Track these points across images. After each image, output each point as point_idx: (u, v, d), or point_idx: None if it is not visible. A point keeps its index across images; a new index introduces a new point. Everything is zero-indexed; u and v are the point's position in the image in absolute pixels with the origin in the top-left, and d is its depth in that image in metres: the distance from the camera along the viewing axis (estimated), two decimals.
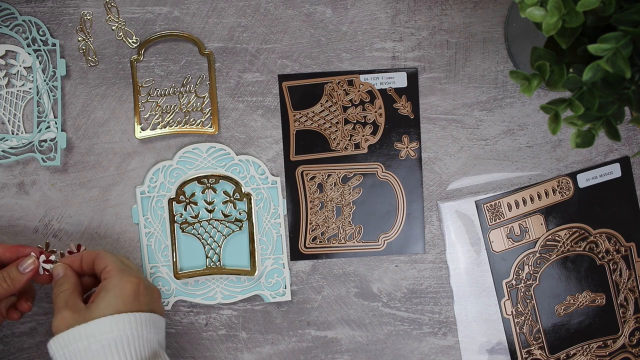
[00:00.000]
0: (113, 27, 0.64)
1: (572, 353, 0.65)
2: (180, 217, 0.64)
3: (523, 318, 0.65)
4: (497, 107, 0.64)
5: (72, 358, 0.52)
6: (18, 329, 0.66)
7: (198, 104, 0.64)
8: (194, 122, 0.64)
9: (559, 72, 0.45)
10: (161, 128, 0.64)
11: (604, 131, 0.43)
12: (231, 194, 0.64)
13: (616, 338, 0.65)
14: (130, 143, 0.65)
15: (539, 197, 0.64)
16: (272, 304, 0.65)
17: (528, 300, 0.64)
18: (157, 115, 0.64)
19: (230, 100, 0.64)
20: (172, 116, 0.64)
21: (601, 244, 0.64)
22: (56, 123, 0.64)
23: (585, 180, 0.64)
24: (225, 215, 0.64)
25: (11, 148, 0.64)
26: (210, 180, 0.63)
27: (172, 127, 0.64)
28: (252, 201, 0.63)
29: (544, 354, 0.65)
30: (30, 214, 0.65)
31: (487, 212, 0.64)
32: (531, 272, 0.64)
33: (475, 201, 0.64)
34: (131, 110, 0.64)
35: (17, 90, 0.64)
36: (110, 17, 0.64)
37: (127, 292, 0.53)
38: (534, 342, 0.65)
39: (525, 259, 0.64)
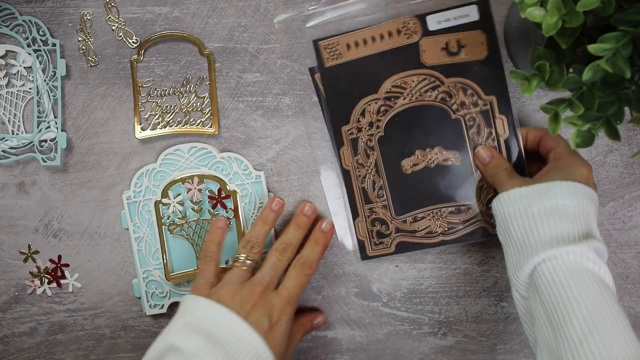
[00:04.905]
0: (113, 27, 0.64)
1: (420, 216, 0.60)
2: (168, 219, 0.64)
3: (365, 171, 0.60)
4: None
5: (509, 220, 0.53)
6: (18, 329, 0.66)
7: (198, 104, 0.64)
8: (194, 122, 0.64)
9: (559, 72, 0.45)
10: (161, 128, 0.64)
11: (604, 131, 0.43)
12: (217, 194, 0.64)
13: (471, 205, 0.60)
14: (130, 143, 0.65)
15: (382, 38, 0.58)
16: None
17: (370, 152, 0.60)
18: (157, 115, 0.64)
19: (230, 100, 0.64)
20: (172, 116, 0.64)
21: (455, 94, 0.58)
22: (56, 123, 0.64)
23: (436, 22, 0.58)
24: (213, 215, 0.64)
25: (11, 148, 0.64)
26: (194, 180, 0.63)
27: (172, 127, 0.64)
28: (238, 198, 0.63)
29: (388, 214, 0.60)
30: (30, 214, 0.65)
31: (324, 51, 0.59)
32: (374, 121, 0.59)
33: (312, 40, 0.60)
34: (131, 110, 0.64)
35: (17, 90, 0.64)
36: (110, 17, 0.64)
37: (581, 174, 0.53)
38: (377, 200, 0.60)
39: (366, 105, 0.59)
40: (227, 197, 0.63)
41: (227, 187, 0.63)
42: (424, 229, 0.61)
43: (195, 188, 0.63)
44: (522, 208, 0.52)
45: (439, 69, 0.59)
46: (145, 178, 0.64)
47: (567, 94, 0.44)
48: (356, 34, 0.59)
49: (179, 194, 0.64)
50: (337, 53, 0.59)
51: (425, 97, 0.59)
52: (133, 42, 0.64)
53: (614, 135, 0.43)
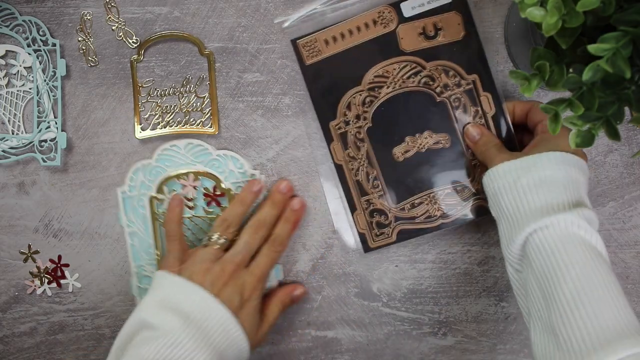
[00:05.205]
0: (113, 27, 0.64)
1: (417, 202, 0.60)
2: (163, 215, 0.64)
3: (357, 164, 0.60)
4: None
5: (499, 194, 0.53)
6: (18, 329, 0.66)
7: (198, 104, 0.64)
8: (194, 122, 0.64)
9: (559, 72, 0.45)
10: (161, 128, 0.64)
11: (604, 131, 0.43)
12: (212, 191, 0.64)
13: (466, 185, 0.61)
14: (130, 143, 0.65)
15: (359, 30, 0.59)
16: None
17: (360, 144, 0.60)
18: (157, 116, 0.64)
19: (230, 100, 0.64)
20: (172, 116, 0.64)
21: (437, 77, 0.59)
22: (56, 123, 0.64)
23: (410, 8, 0.58)
24: (207, 212, 0.64)
25: (11, 148, 0.64)
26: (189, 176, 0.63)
27: (172, 127, 0.64)
28: (233, 196, 0.63)
29: (386, 204, 0.61)
30: (30, 214, 0.65)
31: (303, 50, 0.60)
32: (360, 113, 0.59)
33: (290, 40, 0.60)
34: (131, 110, 0.64)
35: (17, 90, 0.64)
36: (110, 17, 0.64)
37: (569, 145, 0.53)
38: (373, 191, 0.61)
39: (351, 98, 0.59)
40: (222, 195, 0.63)
41: (222, 185, 0.63)
42: (422, 214, 0.61)
43: (190, 185, 0.63)
44: (511, 181, 0.53)
45: (419, 54, 0.60)
46: (140, 173, 0.64)
47: (567, 94, 0.44)
48: (333, 29, 0.60)
49: (174, 190, 0.64)
50: (317, 50, 0.60)
51: (408, 83, 0.60)
52: (133, 42, 0.64)
53: (614, 135, 0.43)
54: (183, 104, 0.64)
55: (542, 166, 0.52)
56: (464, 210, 0.61)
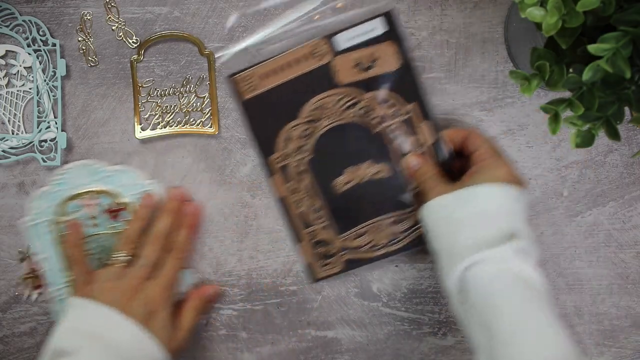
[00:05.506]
0: (113, 27, 0.64)
1: (362, 232, 0.61)
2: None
3: (300, 195, 0.61)
4: (497, 107, 0.64)
5: (435, 228, 0.54)
6: (18, 329, 0.66)
7: (198, 104, 0.64)
8: (194, 122, 0.64)
9: (559, 72, 0.45)
10: (161, 128, 0.64)
11: (603, 131, 0.43)
12: (111, 207, 0.63)
13: (410, 213, 0.61)
14: (130, 143, 0.65)
15: (295, 63, 0.59)
16: (272, 304, 0.65)
17: (303, 176, 0.60)
18: (157, 116, 0.64)
19: (230, 100, 0.64)
20: (172, 116, 0.64)
21: (375, 108, 0.59)
22: (56, 123, 0.64)
23: (344, 41, 0.58)
24: (111, 228, 0.64)
25: (11, 148, 0.64)
26: (88, 196, 0.63)
27: (172, 127, 0.64)
28: (133, 209, 0.63)
29: (331, 234, 0.61)
30: None
31: (241, 85, 0.60)
32: (300, 146, 0.60)
33: (227, 76, 0.61)
34: (131, 110, 0.64)
35: (17, 90, 0.64)
36: (110, 17, 0.64)
37: (504, 175, 0.54)
38: (317, 222, 0.61)
39: (291, 131, 0.60)
40: (123, 209, 0.63)
41: (121, 199, 0.63)
42: (368, 244, 0.62)
43: (90, 204, 0.63)
44: (445, 215, 0.54)
45: (355, 86, 0.60)
46: (41, 201, 0.63)
47: (567, 94, 0.44)
48: (269, 64, 0.60)
49: (76, 211, 0.63)
50: (253, 85, 0.60)
51: (346, 115, 0.60)
52: (133, 42, 0.64)
53: (614, 135, 0.43)
54: (183, 104, 0.64)
55: (476, 199, 0.52)
56: (408, 238, 0.62)
